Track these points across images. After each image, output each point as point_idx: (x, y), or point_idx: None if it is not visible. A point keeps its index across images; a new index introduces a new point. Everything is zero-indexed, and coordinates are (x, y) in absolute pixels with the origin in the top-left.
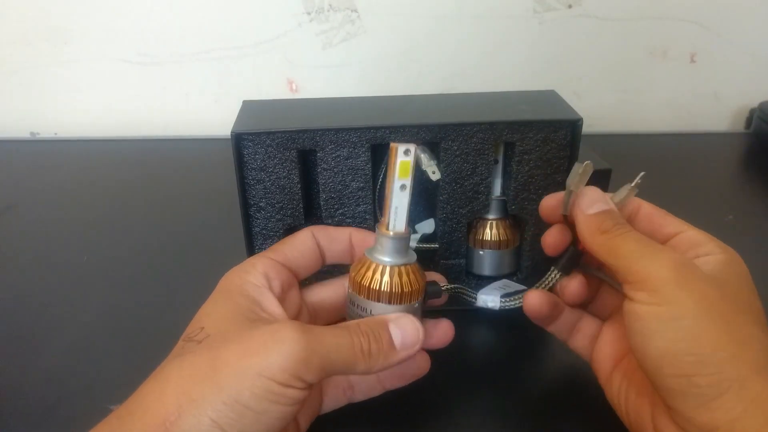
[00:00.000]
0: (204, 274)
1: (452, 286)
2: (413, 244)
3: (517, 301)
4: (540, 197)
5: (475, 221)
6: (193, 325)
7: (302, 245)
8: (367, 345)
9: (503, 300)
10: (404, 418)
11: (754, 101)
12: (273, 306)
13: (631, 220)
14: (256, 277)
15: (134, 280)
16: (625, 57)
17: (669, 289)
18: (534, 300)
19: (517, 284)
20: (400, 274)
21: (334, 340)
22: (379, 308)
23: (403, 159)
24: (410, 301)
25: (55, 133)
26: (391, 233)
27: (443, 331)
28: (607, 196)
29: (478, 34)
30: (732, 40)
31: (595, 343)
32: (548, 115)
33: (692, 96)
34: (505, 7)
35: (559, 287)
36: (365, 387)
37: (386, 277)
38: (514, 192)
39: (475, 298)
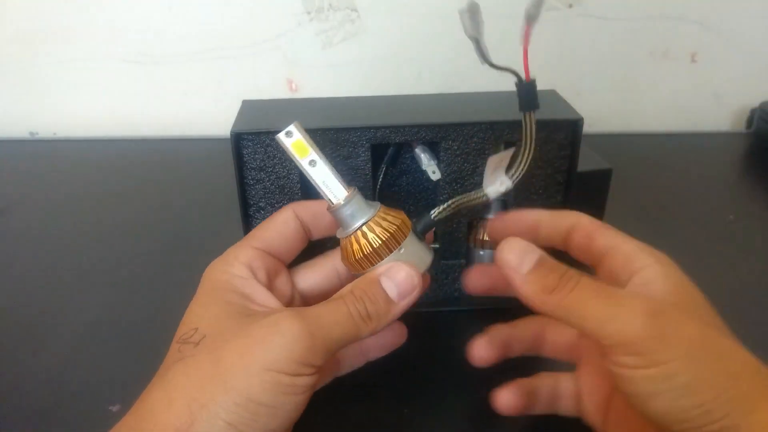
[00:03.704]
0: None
1: (446, 205)
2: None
3: (524, 165)
4: (541, 197)
5: (475, 221)
6: (185, 326)
7: (284, 226)
8: (364, 309)
9: (511, 175)
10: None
11: (755, 101)
12: (264, 297)
13: (567, 237)
14: (240, 270)
15: (134, 280)
16: (625, 57)
17: (653, 347)
18: (504, 398)
19: (502, 152)
20: (374, 227)
21: (332, 317)
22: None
23: (292, 140)
24: (398, 244)
25: (54, 133)
26: (338, 203)
27: (395, 331)
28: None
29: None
30: (732, 40)
31: (579, 400)
32: (549, 115)
33: (693, 96)
34: (505, 7)
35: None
36: (350, 361)
37: (368, 236)
38: (515, 192)
39: (486, 196)
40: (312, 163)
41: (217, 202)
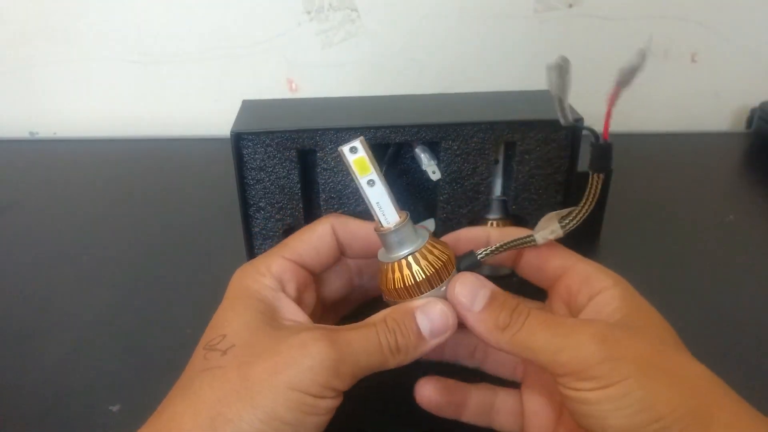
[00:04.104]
0: (204, 275)
1: (494, 248)
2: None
3: (579, 219)
4: (541, 197)
5: (476, 221)
6: (213, 331)
7: (319, 241)
8: (394, 341)
9: (563, 225)
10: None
11: (755, 101)
12: (293, 312)
13: (518, 258)
14: (271, 281)
15: (134, 280)
16: (625, 57)
17: (607, 368)
18: (425, 390)
19: (561, 210)
20: (419, 259)
21: (362, 344)
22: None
23: (354, 157)
24: (441, 281)
25: (54, 133)
26: (389, 227)
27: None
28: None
29: (479, 33)
30: (733, 40)
31: (522, 419)
32: (549, 115)
33: (693, 96)
34: (506, 7)
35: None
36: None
37: (412, 268)
38: (515, 192)
39: (535, 240)
40: (370, 182)
41: (217, 202)
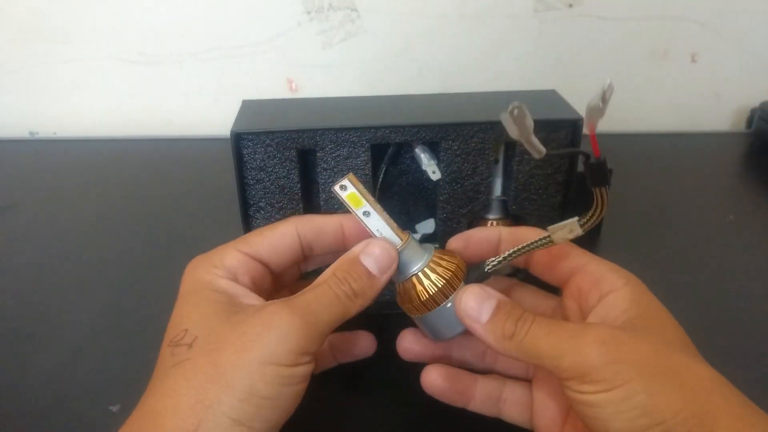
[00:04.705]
0: None
1: (501, 258)
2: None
3: (596, 219)
4: (541, 197)
5: (476, 221)
6: (174, 328)
7: (279, 241)
8: (349, 288)
9: (582, 224)
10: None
11: (755, 101)
12: (248, 297)
13: (529, 255)
14: (224, 272)
15: (134, 280)
16: (625, 57)
17: (610, 372)
18: (431, 376)
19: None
20: (432, 271)
21: (321, 302)
22: (446, 307)
23: (346, 193)
24: (457, 285)
25: (54, 133)
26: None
27: (365, 342)
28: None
29: (479, 33)
30: (733, 40)
31: (531, 411)
32: (549, 115)
33: (693, 96)
34: (506, 7)
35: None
36: (322, 361)
37: (424, 283)
38: (515, 192)
39: (551, 240)
40: (366, 213)
41: (217, 202)
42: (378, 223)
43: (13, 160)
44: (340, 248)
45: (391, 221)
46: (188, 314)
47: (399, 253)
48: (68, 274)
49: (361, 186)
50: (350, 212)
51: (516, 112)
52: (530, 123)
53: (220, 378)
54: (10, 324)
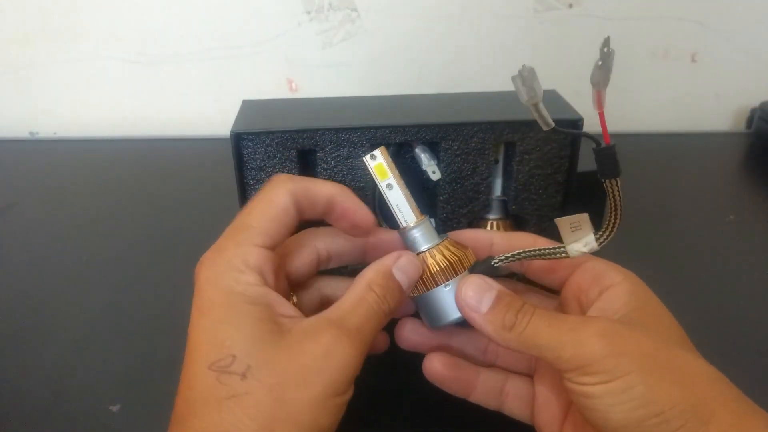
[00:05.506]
0: None
1: (510, 255)
2: None
3: (612, 231)
4: (541, 197)
5: (476, 221)
6: (216, 350)
7: (286, 217)
8: (388, 307)
9: (598, 238)
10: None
11: (755, 101)
12: (282, 306)
13: (528, 261)
14: (253, 277)
15: (134, 279)
16: (625, 57)
17: (610, 363)
18: (433, 363)
19: (571, 216)
20: (439, 252)
21: (371, 324)
22: (444, 289)
23: (374, 163)
24: (460, 271)
25: (54, 133)
26: (407, 226)
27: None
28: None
29: (479, 33)
30: (733, 40)
31: (533, 406)
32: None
33: (693, 96)
34: (506, 7)
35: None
36: None
37: (428, 261)
38: (515, 192)
39: (565, 253)
40: (389, 186)
41: (217, 202)
42: (398, 198)
43: (13, 160)
44: (322, 218)
45: (411, 200)
46: (229, 335)
47: (412, 229)
48: (68, 273)
49: (390, 159)
50: (374, 182)
51: (526, 73)
52: (539, 88)
53: (288, 417)
54: (10, 324)
